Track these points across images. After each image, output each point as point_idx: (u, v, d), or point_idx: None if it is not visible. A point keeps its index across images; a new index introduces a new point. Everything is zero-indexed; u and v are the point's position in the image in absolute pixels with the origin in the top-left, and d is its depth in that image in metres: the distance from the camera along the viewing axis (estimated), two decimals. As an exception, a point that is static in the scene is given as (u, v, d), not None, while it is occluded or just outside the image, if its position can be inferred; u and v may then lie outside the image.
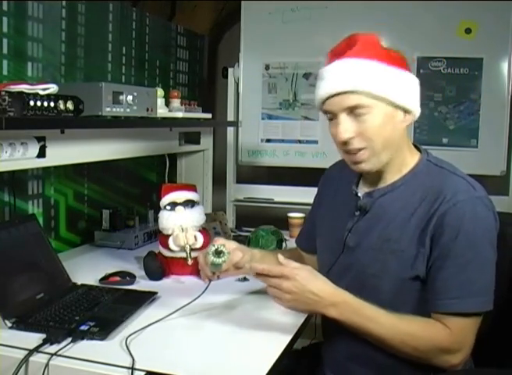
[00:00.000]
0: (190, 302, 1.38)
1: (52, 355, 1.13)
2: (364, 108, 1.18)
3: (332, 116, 1.23)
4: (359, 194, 1.30)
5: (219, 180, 2.82)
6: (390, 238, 1.21)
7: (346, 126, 1.20)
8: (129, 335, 1.23)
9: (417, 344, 1.15)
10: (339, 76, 1.19)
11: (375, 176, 1.28)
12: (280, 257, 1.22)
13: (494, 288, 1.16)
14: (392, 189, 1.25)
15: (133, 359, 1.11)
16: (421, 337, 1.15)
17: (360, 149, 1.21)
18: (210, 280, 1.43)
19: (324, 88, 1.22)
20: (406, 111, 1.22)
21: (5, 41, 1.68)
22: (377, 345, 1.19)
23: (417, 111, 1.24)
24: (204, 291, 1.40)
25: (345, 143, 1.21)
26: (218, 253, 1.37)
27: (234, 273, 1.48)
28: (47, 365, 1.10)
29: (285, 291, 1.17)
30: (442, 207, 1.16)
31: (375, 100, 1.18)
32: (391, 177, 1.26)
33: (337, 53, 1.22)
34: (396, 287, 1.20)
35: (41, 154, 1.52)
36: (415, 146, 1.31)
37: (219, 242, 1.40)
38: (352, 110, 1.19)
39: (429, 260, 1.17)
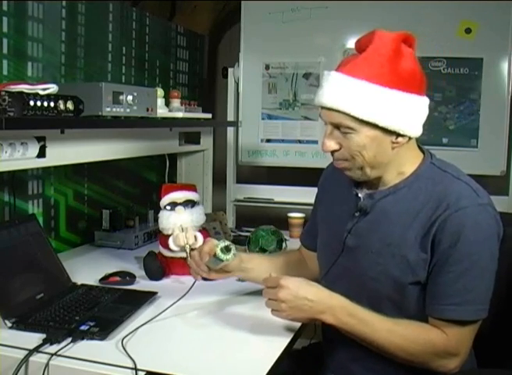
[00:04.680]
0: (177, 301, 1.40)
1: (52, 355, 1.13)
2: (346, 128, 1.16)
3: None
4: (359, 195, 1.29)
5: (219, 180, 2.82)
6: (391, 242, 1.20)
7: (330, 139, 1.20)
8: (124, 337, 1.22)
9: (413, 349, 1.15)
10: (328, 91, 1.17)
11: (374, 179, 1.26)
12: (272, 274, 1.25)
13: (491, 296, 1.15)
14: (394, 191, 1.23)
15: (134, 361, 1.11)
16: (416, 341, 1.15)
17: (342, 160, 1.22)
18: (200, 276, 1.43)
19: (316, 97, 1.21)
20: (399, 134, 1.17)
21: (5, 41, 1.68)
22: (373, 350, 1.19)
23: (414, 133, 1.18)
24: (189, 289, 1.42)
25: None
26: (227, 250, 1.37)
27: (223, 276, 1.46)
28: (47, 365, 1.10)
29: (280, 300, 1.18)
30: (445, 213, 1.14)
31: (358, 123, 1.15)
32: (391, 180, 1.24)
33: (344, 63, 1.18)
34: (396, 291, 1.20)
35: (41, 154, 1.52)
36: (419, 147, 1.28)
37: (211, 242, 1.41)
38: (337, 126, 1.18)
39: (430, 266, 1.16)
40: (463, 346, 1.15)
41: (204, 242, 1.44)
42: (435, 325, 1.16)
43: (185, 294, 1.41)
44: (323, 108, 1.19)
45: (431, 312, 1.17)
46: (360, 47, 1.17)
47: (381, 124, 1.14)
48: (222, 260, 1.36)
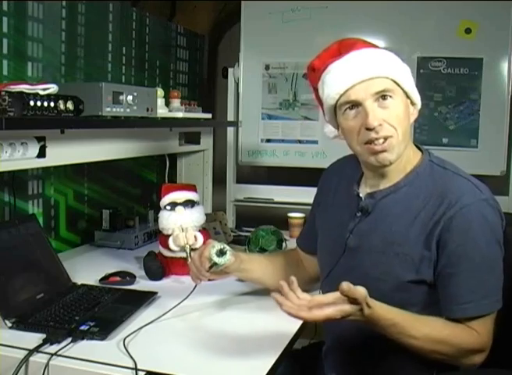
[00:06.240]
0: (180, 303, 1.40)
1: (52, 355, 1.13)
2: (390, 91, 1.18)
3: (352, 106, 1.19)
4: (360, 195, 1.29)
5: (219, 180, 2.82)
6: (394, 241, 1.20)
7: (376, 113, 1.17)
8: (126, 336, 1.23)
9: (448, 350, 1.13)
10: (362, 64, 1.19)
11: (378, 176, 1.25)
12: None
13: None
14: (395, 190, 1.23)
15: (135, 361, 1.11)
16: (452, 343, 1.13)
17: (386, 138, 1.18)
18: (201, 280, 1.43)
19: (348, 77, 1.19)
20: (412, 103, 1.24)
21: (5, 41, 1.68)
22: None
23: (418, 101, 1.25)
24: (191, 292, 1.42)
25: (370, 131, 1.17)
26: (222, 253, 1.37)
27: (222, 277, 1.48)
28: (47, 365, 1.11)
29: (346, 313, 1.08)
30: (449, 211, 1.14)
31: (396, 86, 1.19)
32: (394, 177, 1.24)
33: (334, 54, 1.23)
34: (399, 290, 1.19)
35: (41, 154, 1.52)
36: (416, 146, 1.29)
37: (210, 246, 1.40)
38: (378, 96, 1.18)
39: (437, 265, 1.16)
40: (489, 339, 1.16)
41: (204, 246, 1.43)
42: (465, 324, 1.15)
43: (187, 297, 1.41)
44: (357, 84, 1.18)
45: (450, 313, 1.15)
46: (346, 48, 1.23)
47: (406, 88, 1.21)
48: (216, 264, 1.37)
